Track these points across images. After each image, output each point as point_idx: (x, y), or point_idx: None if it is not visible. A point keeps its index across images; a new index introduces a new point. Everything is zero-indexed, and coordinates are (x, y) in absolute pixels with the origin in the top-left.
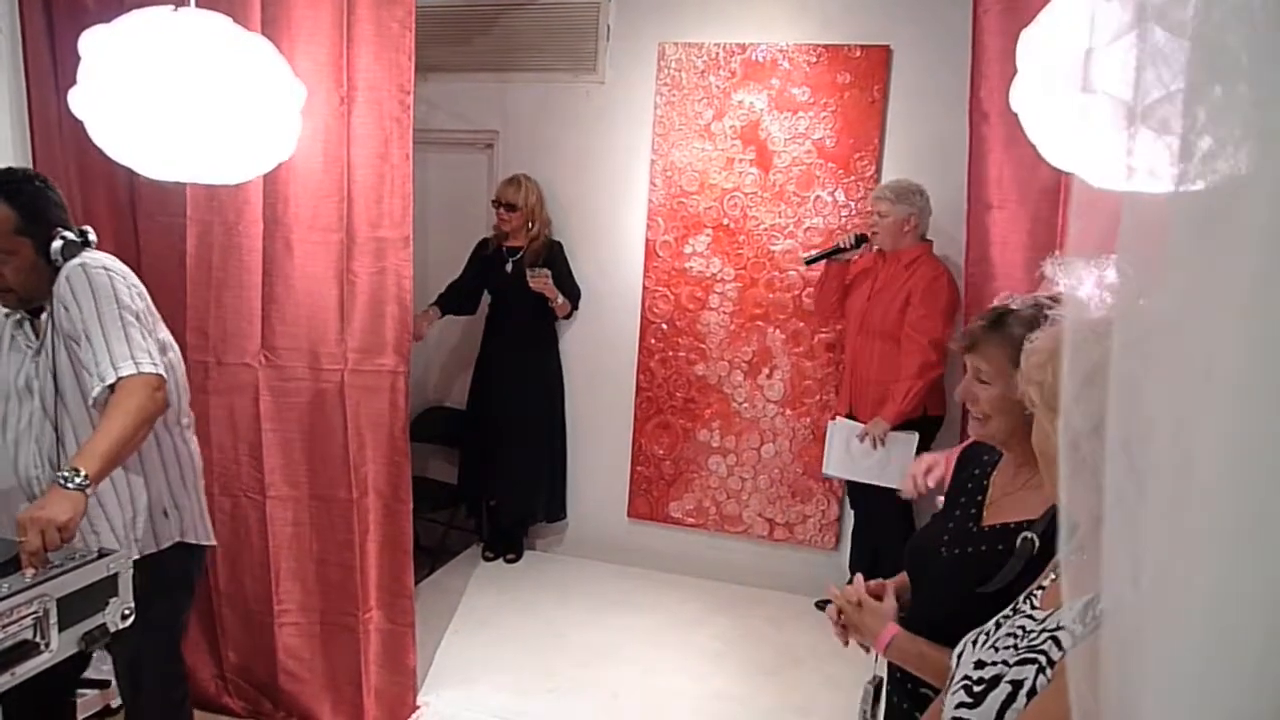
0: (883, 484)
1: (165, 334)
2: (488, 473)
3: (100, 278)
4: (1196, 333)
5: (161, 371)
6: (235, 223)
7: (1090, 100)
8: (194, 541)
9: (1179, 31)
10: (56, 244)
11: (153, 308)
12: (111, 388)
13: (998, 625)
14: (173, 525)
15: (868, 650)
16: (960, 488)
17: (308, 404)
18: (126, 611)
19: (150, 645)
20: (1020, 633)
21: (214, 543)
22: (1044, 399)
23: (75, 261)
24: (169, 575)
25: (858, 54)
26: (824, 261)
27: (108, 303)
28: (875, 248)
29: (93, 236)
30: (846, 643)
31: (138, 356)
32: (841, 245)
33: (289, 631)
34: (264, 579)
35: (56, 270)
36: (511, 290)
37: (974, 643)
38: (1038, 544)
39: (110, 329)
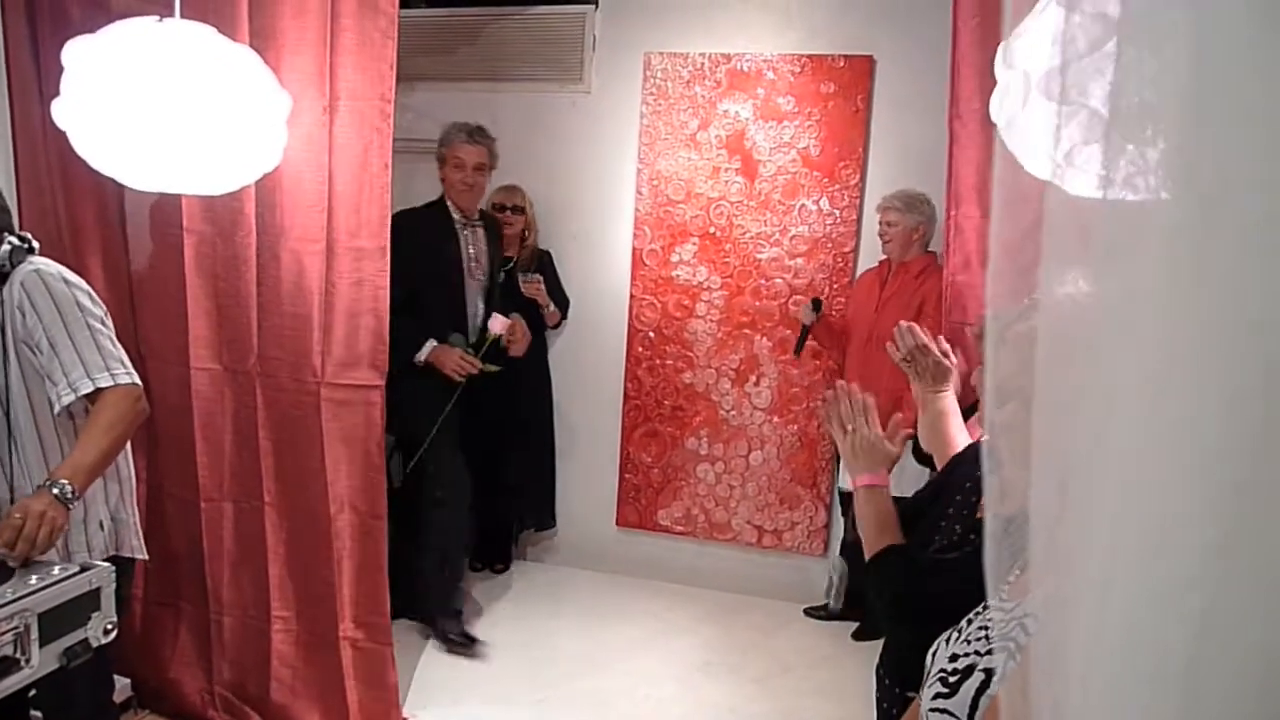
0: (898, 493)
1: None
2: (475, 481)
3: (59, 285)
4: (1115, 334)
5: (138, 380)
6: (232, 233)
7: (1066, 111)
8: (128, 555)
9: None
10: (3, 249)
11: (109, 319)
12: (89, 398)
13: (969, 621)
14: (108, 538)
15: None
16: (957, 488)
17: (292, 415)
18: (109, 626)
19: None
20: (990, 625)
21: (145, 556)
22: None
23: (28, 268)
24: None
25: (841, 64)
26: (804, 345)
27: (71, 310)
28: (882, 257)
29: (35, 244)
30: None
31: (113, 367)
32: (805, 322)
33: (282, 638)
34: (263, 584)
35: (2, 277)
36: (503, 298)
37: (947, 640)
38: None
39: (79, 337)
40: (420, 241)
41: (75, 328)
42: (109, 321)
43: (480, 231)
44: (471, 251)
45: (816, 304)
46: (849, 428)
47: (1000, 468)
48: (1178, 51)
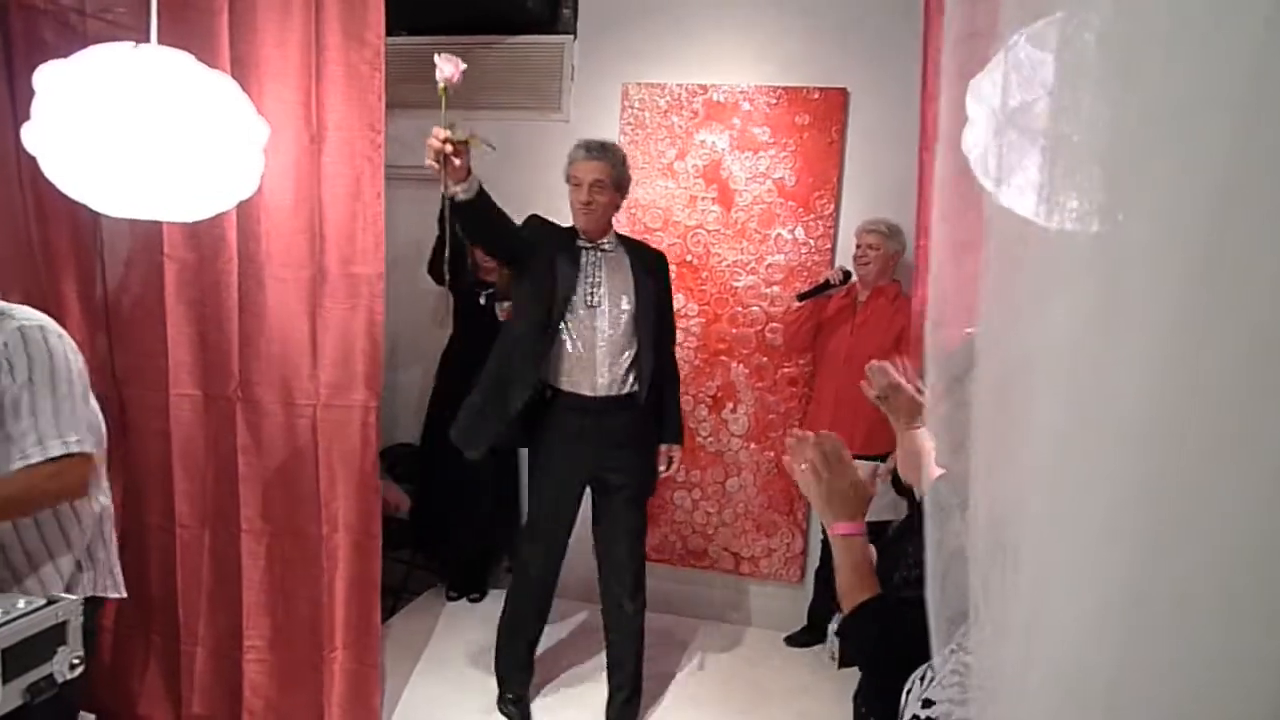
0: (883, 517)
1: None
2: (445, 511)
3: (37, 341)
4: (1096, 366)
5: (90, 449)
6: (213, 260)
7: (1035, 145)
8: (102, 595)
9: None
10: None
11: (84, 369)
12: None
13: (943, 661)
14: (86, 582)
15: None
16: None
17: (281, 439)
18: (75, 661)
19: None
20: (964, 669)
21: (122, 594)
22: None
23: (12, 324)
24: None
25: (816, 96)
26: (809, 299)
27: (43, 370)
28: (854, 280)
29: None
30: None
31: (66, 435)
32: (830, 281)
33: (255, 669)
34: (235, 614)
35: None
36: (482, 324)
37: (921, 679)
38: None
39: (41, 401)
40: (540, 254)
41: (42, 390)
42: (84, 375)
43: (614, 260)
44: (597, 277)
45: (847, 274)
46: (824, 475)
47: (940, 511)
48: (1111, 91)
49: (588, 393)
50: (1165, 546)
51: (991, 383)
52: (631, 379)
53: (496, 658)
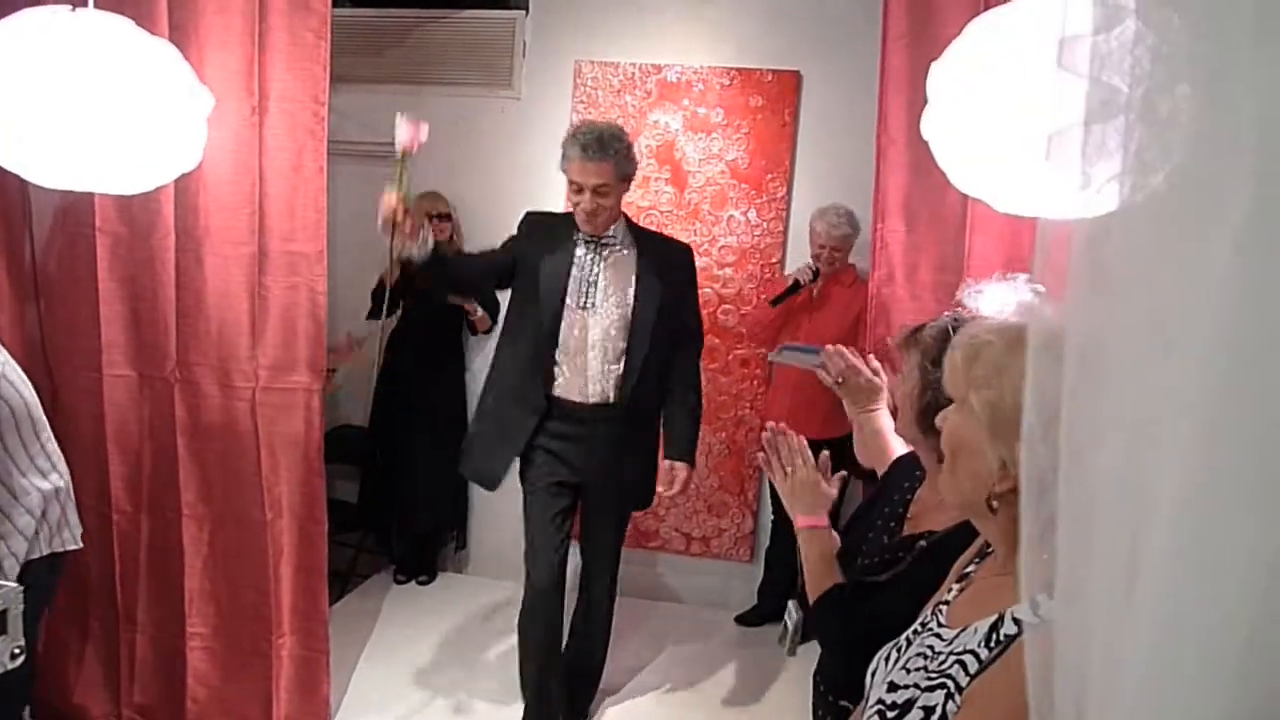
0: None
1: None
2: (394, 492)
3: None
4: (1132, 348)
5: None
6: (148, 235)
7: (999, 131)
8: (60, 549)
9: (1078, 71)
10: None
11: None
12: None
13: (909, 642)
14: (44, 540)
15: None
16: (886, 499)
17: (220, 421)
18: (16, 650)
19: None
20: (930, 653)
21: (80, 545)
22: (991, 408)
23: None
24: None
25: (769, 78)
26: (782, 303)
27: None
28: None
29: None
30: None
31: None
32: (800, 281)
33: (199, 656)
34: (177, 600)
35: None
36: (431, 304)
37: (886, 659)
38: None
39: None
40: (535, 247)
41: None
42: None
43: (618, 256)
44: (592, 276)
45: (816, 273)
46: (788, 470)
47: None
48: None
49: (578, 399)
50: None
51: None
52: (629, 386)
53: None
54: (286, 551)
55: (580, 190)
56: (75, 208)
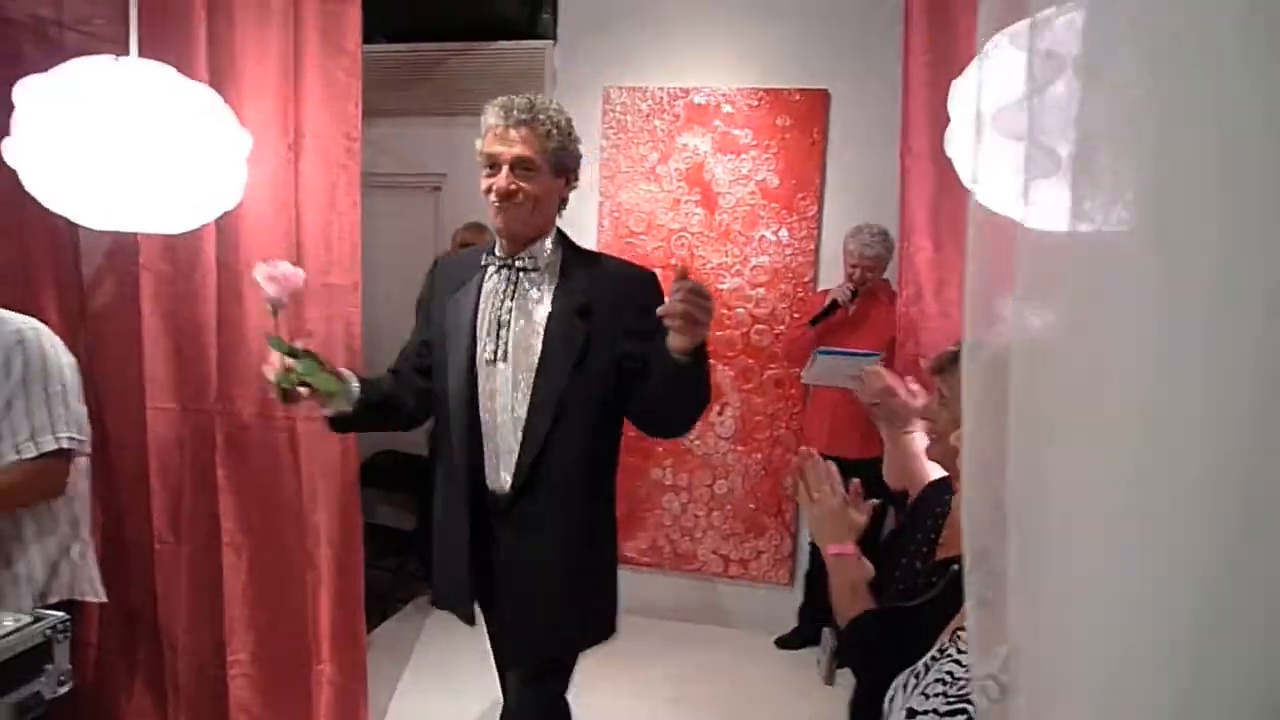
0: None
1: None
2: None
3: (31, 342)
4: (1089, 362)
5: (80, 447)
6: (190, 271)
7: (1018, 147)
8: (79, 599)
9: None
10: None
11: (75, 371)
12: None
13: (926, 668)
14: (62, 582)
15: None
16: (919, 524)
17: (260, 451)
18: (63, 678)
19: None
20: (949, 678)
21: (101, 599)
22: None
23: (8, 328)
24: None
25: (797, 97)
26: (820, 323)
27: (36, 369)
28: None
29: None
30: (795, 498)
31: (58, 431)
32: (839, 301)
33: (240, 684)
34: (218, 628)
35: None
36: None
37: (904, 686)
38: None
39: (35, 398)
40: (441, 296)
41: (35, 389)
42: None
43: (536, 285)
44: (504, 313)
45: (854, 293)
46: (815, 496)
47: (969, 506)
48: (1134, 87)
49: (493, 489)
50: (1245, 541)
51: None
52: (521, 472)
53: None
54: (325, 579)
55: (494, 165)
56: (122, 247)
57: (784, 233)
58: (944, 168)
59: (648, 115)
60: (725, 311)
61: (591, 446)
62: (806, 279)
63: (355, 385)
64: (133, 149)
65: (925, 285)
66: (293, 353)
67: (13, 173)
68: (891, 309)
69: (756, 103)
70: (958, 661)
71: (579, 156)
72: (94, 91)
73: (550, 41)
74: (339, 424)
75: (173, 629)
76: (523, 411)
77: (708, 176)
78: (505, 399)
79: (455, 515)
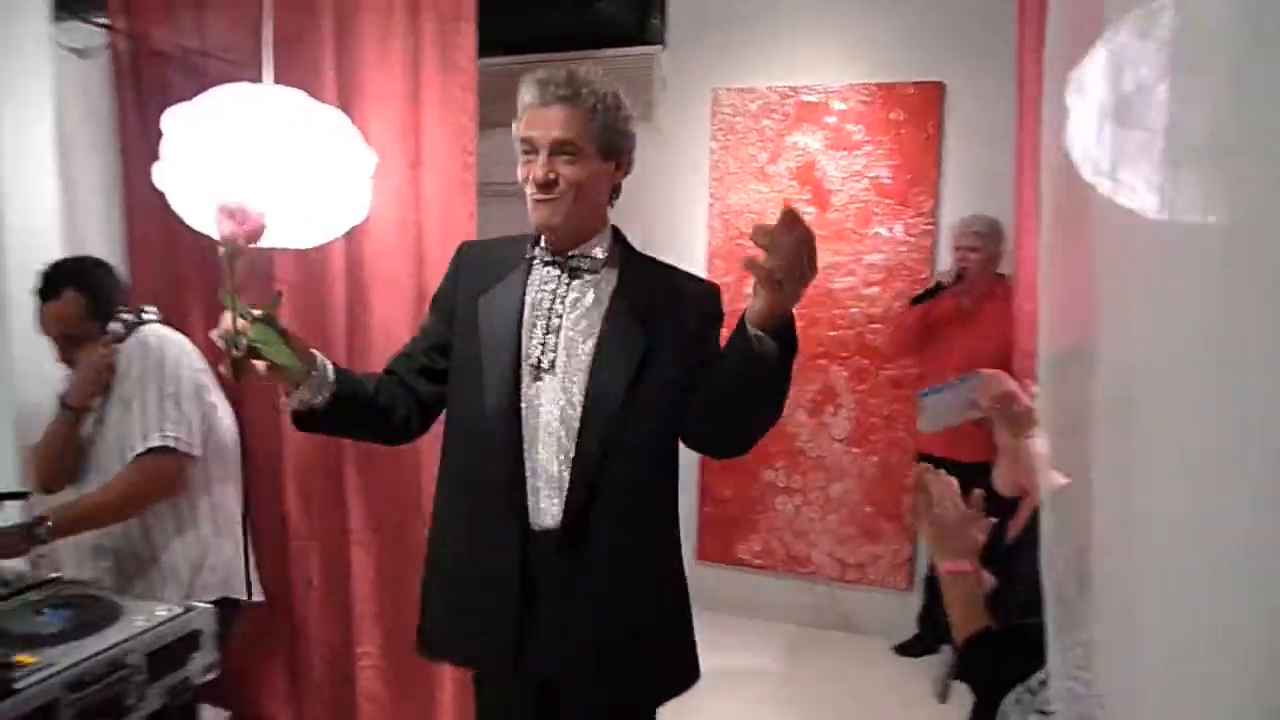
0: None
1: (217, 397)
2: None
3: (153, 346)
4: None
5: (184, 446)
6: (320, 282)
7: (1137, 138)
8: (235, 597)
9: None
10: (114, 325)
11: (209, 374)
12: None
13: (1031, 692)
14: (212, 580)
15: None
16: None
17: (384, 451)
18: (208, 665)
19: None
20: (1069, 695)
21: (253, 598)
22: None
23: (141, 335)
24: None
25: (911, 91)
26: (923, 302)
27: (155, 370)
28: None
29: (149, 314)
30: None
31: (165, 428)
32: (943, 283)
33: (368, 675)
34: (347, 622)
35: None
36: None
37: (1018, 701)
38: None
39: (148, 396)
40: (472, 287)
41: (151, 390)
42: (203, 382)
43: (596, 288)
44: (554, 315)
45: (960, 275)
46: (935, 510)
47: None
48: (1228, 80)
49: (531, 525)
50: None
51: (1111, 389)
52: (572, 508)
53: None
54: None
55: (532, 150)
56: (257, 261)
57: (899, 228)
58: (1062, 160)
59: (756, 115)
60: (838, 312)
61: (654, 468)
62: (923, 275)
63: (329, 373)
64: (271, 170)
65: None
66: (248, 316)
67: (162, 196)
68: (1007, 305)
69: (869, 98)
70: (1077, 678)
71: (632, 136)
72: (234, 116)
73: (659, 46)
74: (305, 421)
75: (306, 621)
76: (572, 431)
77: (819, 174)
78: (550, 417)
79: (492, 556)
